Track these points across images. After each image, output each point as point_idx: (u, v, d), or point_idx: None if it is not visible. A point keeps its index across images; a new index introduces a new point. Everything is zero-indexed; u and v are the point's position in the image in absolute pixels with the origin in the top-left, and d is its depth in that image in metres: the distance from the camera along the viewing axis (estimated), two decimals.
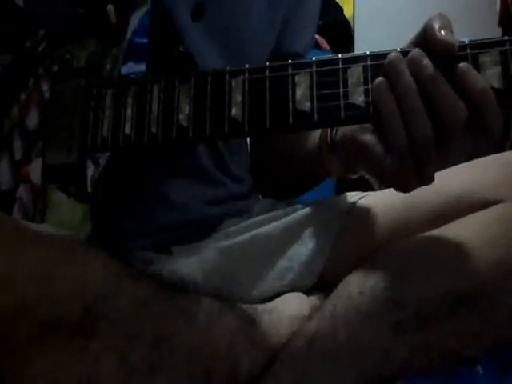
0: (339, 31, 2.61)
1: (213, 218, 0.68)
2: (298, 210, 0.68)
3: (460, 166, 0.62)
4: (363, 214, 0.65)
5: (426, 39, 0.49)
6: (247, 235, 0.64)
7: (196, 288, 0.60)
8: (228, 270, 0.62)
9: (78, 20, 0.59)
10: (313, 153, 0.66)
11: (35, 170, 0.55)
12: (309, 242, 0.65)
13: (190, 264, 0.62)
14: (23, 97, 0.58)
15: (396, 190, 0.52)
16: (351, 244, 0.64)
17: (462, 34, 0.49)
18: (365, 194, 0.68)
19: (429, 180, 0.50)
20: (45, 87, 0.57)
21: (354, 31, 2.80)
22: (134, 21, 0.57)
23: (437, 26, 0.48)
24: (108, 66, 0.57)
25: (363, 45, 2.58)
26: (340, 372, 0.55)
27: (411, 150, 0.48)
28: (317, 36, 2.42)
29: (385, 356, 0.54)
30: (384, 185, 0.55)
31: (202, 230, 0.67)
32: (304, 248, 0.64)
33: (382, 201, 0.65)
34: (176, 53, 0.57)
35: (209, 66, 0.59)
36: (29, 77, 0.58)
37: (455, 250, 0.55)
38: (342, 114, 0.49)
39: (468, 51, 0.48)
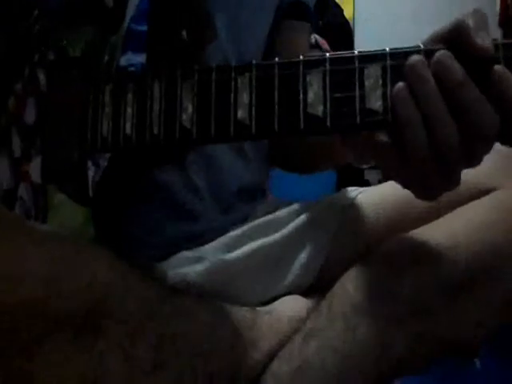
0: (339, 32, 2.62)
1: (220, 228, 0.68)
2: (298, 214, 0.67)
3: None
4: (360, 211, 0.65)
5: (457, 38, 0.44)
6: (250, 245, 0.64)
7: (199, 290, 0.60)
8: (230, 274, 0.63)
9: (74, 3, 0.56)
10: (327, 143, 0.65)
11: (35, 169, 0.54)
12: (308, 243, 0.65)
13: (194, 267, 0.62)
14: (19, 87, 0.55)
15: (417, 197, 0.50)
16: (349, 242, 0.64)
17: None
18: (362, 189, 0.68)
19: (454, 185, 0.48)
20: (41, 77, 0.55)
21: (354, 32, 2.81)
22: (131, 5, 0.55)
23: (473, 26, 0.44)
24: (106, 57, 0.54)
25: (363, 45, 2.58)
26: (339, 367, 0.54)
27: (434, 158, 0.45)
28: (317, 36, 2.43)
29: (383, 350, 0.54)
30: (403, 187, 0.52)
31: (205, 239, 0.67)
32: (303, 249, 0.64)
33: (379, 196, 0.65)
34: (178, 40, 0.53)
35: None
36: (24, 65, 0.56)
37: (452, 239, 0.55)
38: (358, 119, 0.45)
39: (500, 54, 0.43)
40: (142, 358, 0.50)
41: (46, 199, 0.54)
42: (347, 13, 2.75)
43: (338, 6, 2.66)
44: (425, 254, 0.56)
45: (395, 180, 0.50)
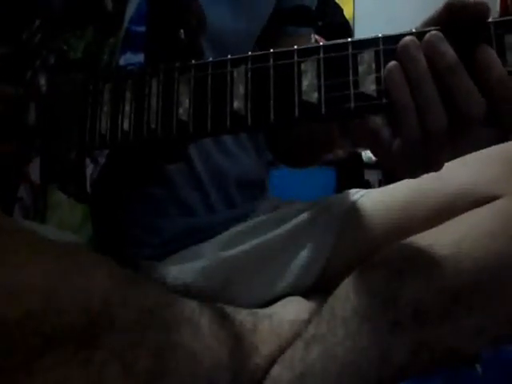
0: (339, 32, 2.62)
1: (218, 225, 0.68)
2: (299, 212, 0.67)
3: (458, 160, 0.61)
4: (362, 214, 0.64)
5: (450, 11, 0.44)
6: (250, 243, 0.64)
7: (198, 293, 0.59)
8: (230, 275, 0.62)
9: (75, 7, 0.57)
10: (324, 129, 0.65)
11: (35, 169, 0.54)
12: (308, 244, 0.64)
13: (193, 270, 0.62)
14: (21, 91, 0.56)
15: (401, 175, 0.50)
16: (350, 245, 0.64)
17: None
18: (364, 191, 0.68)
19: (437, 168, 0.48)
20: (42, 81, 0.56)
21: (353, 32, 2.80)
22: (131, 8, 0.55)
23: None
24: (105, 58, 0.55)
25: None
26: (339, 375, 0.54)
27: (423, 139, 0.45)
28: (317, 36, 2.43)
29: (384, 356, 0.54)
30: (390, 168, 0.51)
31: (206, 235, 0.67)
32: (303, 250, 0.64)
33: (381, 200, 0.65)
34: (175, 39, 0.54)
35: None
36: (26, 70, 0.57)
37: (455, 246, 0.54)
38: (352, 104, 0.45)
39: (492, 31, 0.43)
40: (142, 368, 0.49)
41: (45, 198, 0.54)
42: (347, 12, 2.75)
43: (337, 6, 2.67)
44: (427, 259, 0.55)
45: (387, 160, 0.50)
